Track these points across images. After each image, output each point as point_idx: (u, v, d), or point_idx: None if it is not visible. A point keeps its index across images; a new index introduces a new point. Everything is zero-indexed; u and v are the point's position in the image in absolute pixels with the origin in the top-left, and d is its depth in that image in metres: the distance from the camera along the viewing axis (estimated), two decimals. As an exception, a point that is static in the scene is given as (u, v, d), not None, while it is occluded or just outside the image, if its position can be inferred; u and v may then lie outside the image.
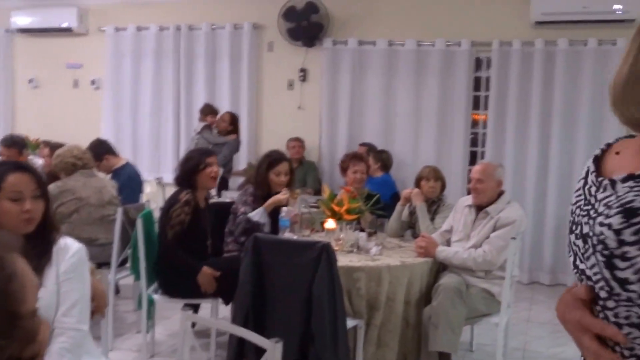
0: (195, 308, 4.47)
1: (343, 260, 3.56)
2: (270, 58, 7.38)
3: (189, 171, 4.06)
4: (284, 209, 4.19)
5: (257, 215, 4.04)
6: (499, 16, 6.55)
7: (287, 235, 3.93)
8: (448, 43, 6.67)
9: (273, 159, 4.29)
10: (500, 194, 3.93)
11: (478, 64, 6.81)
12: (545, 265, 6.56)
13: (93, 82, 8.06)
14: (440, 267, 3.96)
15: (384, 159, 6.32)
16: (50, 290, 2.04)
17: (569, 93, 6.36)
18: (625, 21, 6.03)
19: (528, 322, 5.25)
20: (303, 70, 7.21)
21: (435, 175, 4.45)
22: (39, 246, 2.06)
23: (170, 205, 3.97)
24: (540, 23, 6.34)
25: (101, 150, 5.40)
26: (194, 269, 3.86)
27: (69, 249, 2.12)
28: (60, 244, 2.12)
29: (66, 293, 2.07)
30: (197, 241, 4.02)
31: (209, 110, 7.01)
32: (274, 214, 4.15)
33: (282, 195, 4.13)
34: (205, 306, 4.41)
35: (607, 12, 6.05)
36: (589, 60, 6.27)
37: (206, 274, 3.85)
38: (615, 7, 5.99)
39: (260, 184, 4.24)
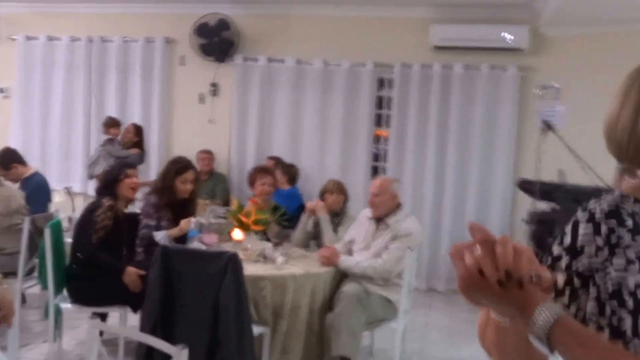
0: (103, 317, 4.33)
1: (250, 270, 3.56)
2: (182, 72, 7.29)
3: (110, 181, 4.04)
4: (193, 219, 4.15)
5: (161, 238, 3.95)
6: (401, 40, 6.73)
7: (195, 245, 3.89)
8: (353, 64, 6.80)
9: (181, 166, 4.20)
10: (399, 206, 4.03)
11: (381, 83, 6.95)
12: (442, 274, 6.74)
13: (2, 91, 7.69)
14: (342, 276, 4.00)
15: (292, 172, 6.34)
16: None
17: (463, 113, 6.60)
18: (514, 49, 6.36)
19: (426, 327, 5.38)
20: (214, 85, 7.17)
21: (338, 188, 4.52)
22: None
23: (91, 210, 3.90)
24: (438, 48, 6.54)
25: (9, 159, 5.17)
26: (119, 270, 3.79)
27: None
28: None
29: None
30: (113, 249, 3.94)
31: (112, 123, 6.84)
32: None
33: (186, 224, 4.05)
34: (114, 315, 4.29)
35: (498, 40, 6.32)
36: (482, 83, 6.54)
37: (132, 273, 3.77)
38: (507, 36, 6.31)
39: (165, 190, 4.14)
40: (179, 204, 4.18)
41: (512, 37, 6.26)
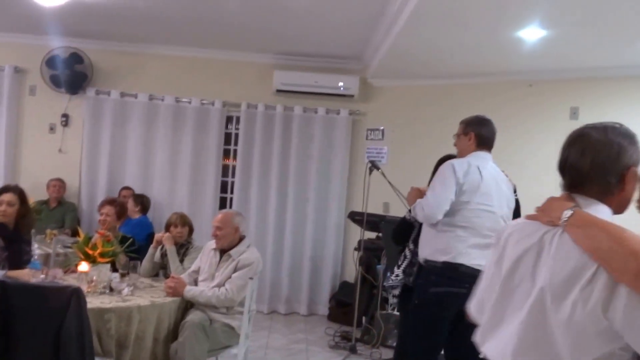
0: None
1: (94, 302, 3.38)
2: (32, 101, 6.80)
3: None
4: (37, 251, 3.87)
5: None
6: (247, 82, 6.82)
7: (38, 278, 3.61)
8: (203, 101, 6.77)
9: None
10: (241, 238, 4.05)
11: (229, 121, 6.97)
12: (282, 297, 6.83)
13: None
14: (188, 305, 3.93)
15: (143, 202, 6.15)
16: None
17: (303, 150, 6.79)
18: (346, 96, 6.69)
19: (266, 348, 5.41)
20: (65, 116, 6.77)
21: (182, 221, 4.44)
22: None
23: None
24: (280, 91, 6.70)
25: None
26: None
27: None
28: None
29: None
30: None
31: None
32: None
33: (27, 276, 3.59)
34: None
35: (333, 87, 6.62)
36: (319, 124, 6.78)
37: None
38: (340, 84, 6.62)
39: None
40: (10, 230, 3.83)
41: (343, 85, 6.59)
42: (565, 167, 1.54)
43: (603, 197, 1.47)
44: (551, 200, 1.53)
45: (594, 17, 4.25)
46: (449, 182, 3.18)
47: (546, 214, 1.49)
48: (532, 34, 4.70)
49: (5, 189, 3.89)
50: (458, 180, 3.17)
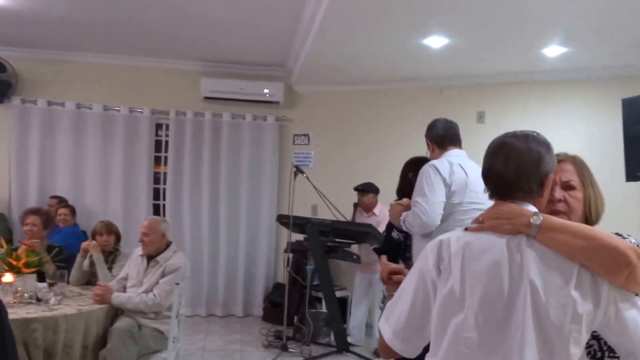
0: None
1: (20, 313, 3.33)
2: (-46, 112, 6.52)
3: None
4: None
5: None
6: (176, 90, 6.77)
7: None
8: (132, 109, 6.67)
9: None
10: (168, 244, 4.05)
11: (158, 128, 6.91)
12: (219, 300, 6.82)
13: None
14: (118, 312, 3.89)
15: (73, 211, 6.00)
16: None
17: (232, 156, 6.81)
18: (272, 102, 6.76)
19: (203, 350, 5.41)
20: (-10, 125, 6.53)
21: (107, 229, 4.38)
22: None
23: None
24: (208, 98, 6.69)
25: None
26: None
27: None
28: None
29: None
30: None
31: None
32: None
33: None
34: None
35: (259, 94, 6.68)
36: (247, 130, 6.82)
37: None
38: (265, 90, 6.67)
39: None
40: None
41: (269, 91, 6.64)
42: (490, 175, 1.54)
43: (526, 202, 1.50)
44: (499, 208, 1.49)
45: (492, 26, 4.48)
46: (436, 184, 2.95)
47: (508, 222, 1.44)
48: (436, 41, 4.89)
49: None
50: (445, 181, 2.98)
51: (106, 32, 5.80)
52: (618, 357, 1.50)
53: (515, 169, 1.48)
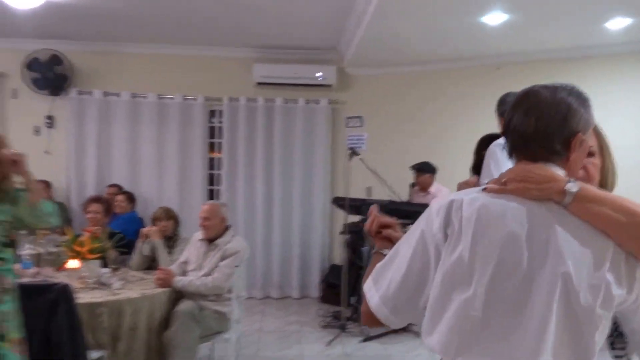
0: None
1: (86, 297, 3.36)
2: (14, 105, 6.66)
3: None
4: (26, 251, 3.81)
5: None
6: (228, 77, 6.76)
7: (29, 276, 3.57)
8: (185, 97, 6.70)
9: None
10: (227, 228, 4.04)
11: (212, 115, 6.92)
12: (275, 282, 6.83)
13: None
14: (179, 295, 3.90)
15: (131, 198, 6.09)
16: None
17: (285, 140, 6.77)
18: (324, 86, 6.66)
19: (260, 332, 5.42)
20: (50, 117, 6.67)
21: (167, 215, 4.40)
22: None
23: None
24: (260, 84, 6.66)
25: None
26: None
27: None
28: None
29: None
30: None
31: None
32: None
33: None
34: None
35: (311, 78, 6.60)
36: (299, 115, 6.76)
37: None
38: (317, 74, 6.58)
39: None
40: None
41: (322, 75, 6.55)
42: (509, 129, 1.30)
43: (552, 163, 1.25)
44: (527, 169, 1.23)
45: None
46: (504, 164, 2.84)
47: (537, 187, 1.19)
48: (495, 18, 4.76)
49: None
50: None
51: (158, 23, 5.83)
52: (623, 348, 1.30)
53: (536, 122, 1.24)
